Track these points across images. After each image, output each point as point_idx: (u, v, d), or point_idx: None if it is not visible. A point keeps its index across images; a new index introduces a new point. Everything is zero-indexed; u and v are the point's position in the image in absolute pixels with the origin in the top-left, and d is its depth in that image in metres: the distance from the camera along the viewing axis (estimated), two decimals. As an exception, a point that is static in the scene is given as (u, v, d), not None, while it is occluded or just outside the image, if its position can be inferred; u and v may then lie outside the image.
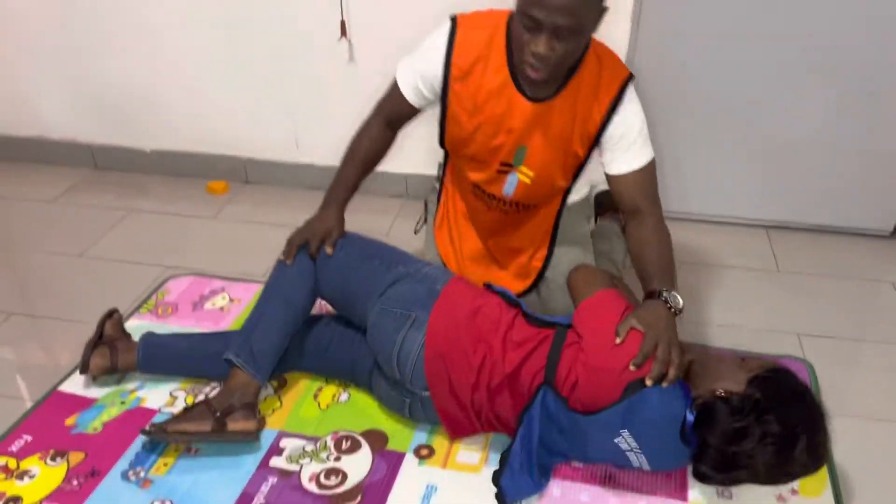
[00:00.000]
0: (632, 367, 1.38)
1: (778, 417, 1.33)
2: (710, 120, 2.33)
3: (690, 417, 1.38)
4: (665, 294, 1.48)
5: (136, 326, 1.97)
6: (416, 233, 2.03)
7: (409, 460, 1.60)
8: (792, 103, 2.26)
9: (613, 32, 2.20)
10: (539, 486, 1.52)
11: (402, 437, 1.66)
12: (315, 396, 1.77)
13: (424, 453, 1.62)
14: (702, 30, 2.21)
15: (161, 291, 2.14)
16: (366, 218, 2.55)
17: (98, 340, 1.76)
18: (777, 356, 1.87)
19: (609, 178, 1.62)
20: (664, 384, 1.38)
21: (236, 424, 1.56)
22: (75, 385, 1.79)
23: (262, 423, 1.63)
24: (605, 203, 2.04)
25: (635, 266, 1.61)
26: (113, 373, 1.76)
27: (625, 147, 1.56)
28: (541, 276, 1.83)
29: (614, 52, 1.58)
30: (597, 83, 1.53)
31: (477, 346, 1.51)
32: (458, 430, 1.62)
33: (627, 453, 1.45)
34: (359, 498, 1.51)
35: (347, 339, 1.74)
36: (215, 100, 2.64)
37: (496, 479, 1.51)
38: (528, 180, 1.64)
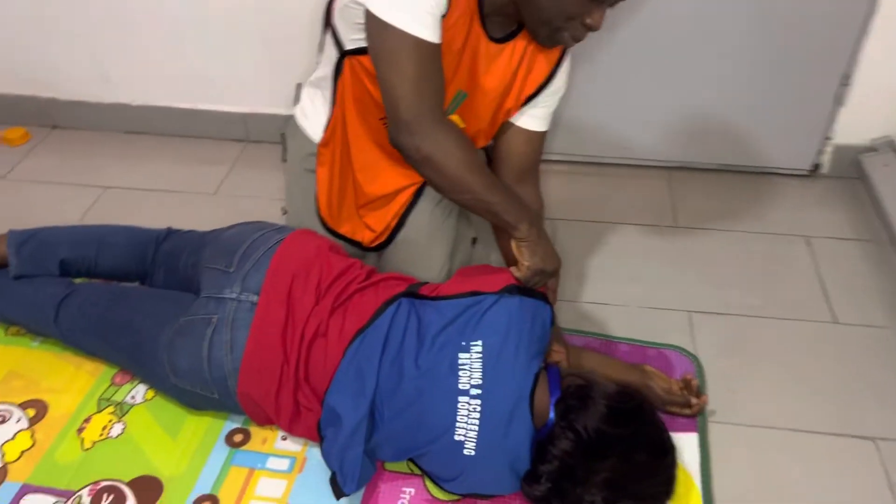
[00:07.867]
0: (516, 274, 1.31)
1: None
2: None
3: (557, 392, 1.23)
4: None
5: None
6: (283, 161, 1.70)
7: (187, 516, 1.27)
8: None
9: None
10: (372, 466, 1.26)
11: (182, 485, 1.31)
12: (80, 430, 1.40)
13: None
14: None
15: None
16: (197, 169, 2.15)
17: None
18: (661, 346, 1.58)
19: (516, 130, 1.54)
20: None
21: None
22: None
23: None
24: None
25: None
26: None
27: (548, 105, 1.54)
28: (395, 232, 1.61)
29: None
30: None
31: (328, 268, 1.37)
32: (259, 387, 1.27)
33: (462, 402, 1.19)
34: (111, 577, 1.18)
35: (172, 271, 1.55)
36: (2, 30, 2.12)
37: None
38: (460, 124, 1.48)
